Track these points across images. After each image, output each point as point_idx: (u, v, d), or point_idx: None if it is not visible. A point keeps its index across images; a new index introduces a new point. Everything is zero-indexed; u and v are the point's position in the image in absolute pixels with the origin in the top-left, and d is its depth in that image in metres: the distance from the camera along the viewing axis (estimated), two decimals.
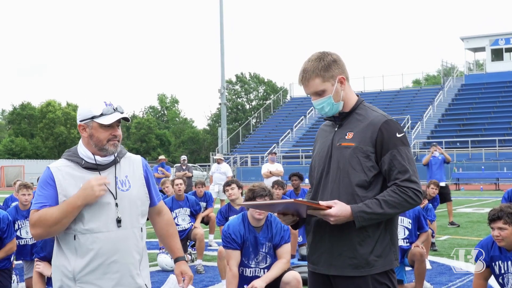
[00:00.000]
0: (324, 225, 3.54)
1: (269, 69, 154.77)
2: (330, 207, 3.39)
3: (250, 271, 6.30)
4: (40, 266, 6.71)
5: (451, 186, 33.83)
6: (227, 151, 53.18)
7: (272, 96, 76.02)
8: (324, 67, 3.58)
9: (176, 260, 4.14)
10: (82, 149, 3.76)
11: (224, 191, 9.48)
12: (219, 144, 54.59)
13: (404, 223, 7.81)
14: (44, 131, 78.14)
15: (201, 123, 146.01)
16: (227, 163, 32.62)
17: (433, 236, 10.92)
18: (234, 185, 9.29)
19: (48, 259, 6.42)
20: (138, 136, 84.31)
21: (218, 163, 19.29)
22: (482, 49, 56.35)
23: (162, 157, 21.80)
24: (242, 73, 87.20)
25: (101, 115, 3.66)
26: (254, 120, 68.63)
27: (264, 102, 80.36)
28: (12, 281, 8.07)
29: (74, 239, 3.66)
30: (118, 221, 3.70)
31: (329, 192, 3.59)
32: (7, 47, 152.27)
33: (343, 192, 3.53)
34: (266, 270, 6.24)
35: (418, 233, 7.96)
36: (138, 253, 3.82)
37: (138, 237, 3.83)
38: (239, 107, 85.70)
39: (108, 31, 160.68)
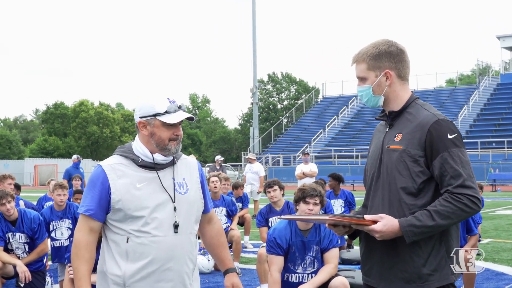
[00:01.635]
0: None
1: (301, 69, 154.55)
2: (375, 222, 3.12)
3: (297, 276, 6.02)
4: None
5: (487, 187, 33.50)
6: (259, 151, 53.00)
7: (304, 95, 75.63)
8: (374, 55, 3.35)
9: (226, 272, 3.86)
10: (139, 146, 3.53)
11: (265, 192, 9.18)
12: (250, 143, 54.43)
13: None
14: (77, 130, 78.81)
15: (232, 123, 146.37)
16: (259, 162, 32.44)
17: (479, 240, 10.51)
18: (276, 187, 8.99)
19: None
20: None
21: (250, 162, 19.04)
22: None
23: (192, 156, 21.58)
24: (274, 73, 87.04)
25: (165, 112, 3.43)
26: (285, 120, 68.37)
27: (296, 101, 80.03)
28: (46, 283, 7.92)
29: (127, 241, 3.42)
30: (176, 226, 3.46)
31: (380, 198, 3.32)
32: (41, 49, 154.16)
33: (393, 199, 3.25)
34: (313, 275, 5.96)
35: (467, 236, 7.59)
36: (192, 262, 3.59)
37: (193, 244, 3.60)
38: (270, 106, 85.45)
39: (141, 31, 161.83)
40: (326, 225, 3.45)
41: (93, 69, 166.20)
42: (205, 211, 3.76)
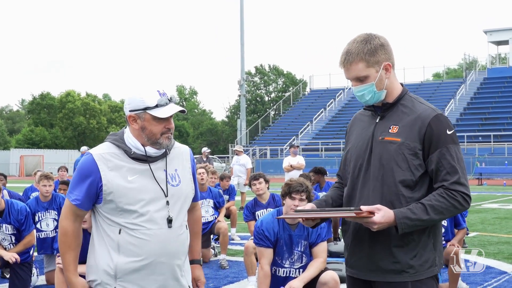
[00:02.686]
0: (363, 227, 3.23)
1: (288, 61, 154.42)
2: (373, 213, 3.08)
3: (284, 271, 5.97)
4: None
5: (473, 181, 33.65)
6: (246, 143, 52.95)
7: (292, 88, 75.59)
8: (370, 50, 3.23)
9: (191, 262, 3.82)
10: (131, 139, 3.43)
11: (250, 185, 9.17)
12: (238, 136, 54.37)
13: None
14: (64, 121, 78.42)
15: (219, 115, 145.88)
16: (246, 155, 32.40)
17: (467, 234, 10.54)
18: (261, 179, 8.98)
19: None
20: None
21: (237, 154, 19.01)
22: (506, 42, 55.66)
23: None
24: (261, 65, 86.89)
25: (156, 106, 3.33)
26: (273, 112, 68.29)
27: (283, 94, 79.96)
28: (32, 274, 7.85)
29: (119, 233, 3.37)
30: (169, 221, 3.42)
31: (370, 190, 3.28)
32: (28, 42, 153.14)
33: (387, 191, 3.22)
34: (301, 270, 5.91)
35: (455, 230, 7.61)
36: (184, 254, 3.57)
37: (185, 236, 3.57)
38: (258, 99, 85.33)
39: (127, 22, 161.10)
40: (301, 220, 3.42)
41: (80, 60, 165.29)
42: (194, 199, 3.73)
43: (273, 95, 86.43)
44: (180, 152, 3.62)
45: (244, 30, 52.35)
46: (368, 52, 3.23)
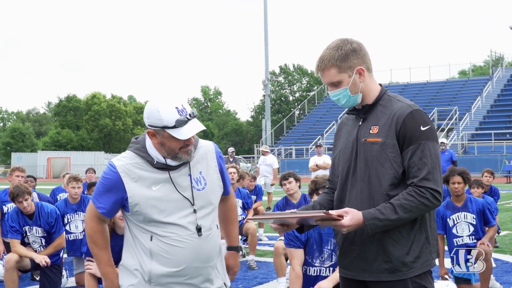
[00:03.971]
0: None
1: (312, 61, 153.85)
2: (342, 217, 3.10)
3: (314, 270, 5.91)
4: (92, 267, 6.06)
5: (501, 179, 33.24)
6: (271, 143, 52.90)
7: (316, 87, 75.36)
8: (341, 56, 3.30)
9: (228, 249, 3.83)
10: (152, 150, 3.39)
11: (281, 184, 9.06)
12: (263, 136, 54.32)
13: (468, 219, 7.38)
14: (90, 123, 79.08)
15: (244, 115, 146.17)
16: (272, 155, 32.32)
17: (498, 232, 10.40)
18: (291, 179, 8.87)
19: None
20: None
21: (264, 155, 18.96)
22: None
23: None
24: (285, 65, 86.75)
25: (174, 127, 3.25)
26: (297, 112, 68.16)
27: (308, 93, 79.78)
28: (62, 277, 7.89)
29: (151, 240, 3.37)
30: (199, 230, 3.40)
31: (358, 192, 3.31)
32: (53, 44, 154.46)
33: (374, 192, 3.25)
34: (331, 269, 5.85)
35: (485, 228, 7.49)
36: (216, 254, 3.56)
37: (216, 237, 3.55)
38: (282, 98, 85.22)
39: (152, 23, 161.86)
40: (275, 225, 3.42)
41: (105, 62, 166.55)
42: (224, 193, 3.69)
43: (297, 94, 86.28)
44: (204, 152, 3.55)
45: (268, 30, 52.35)
46: (339, 58, 3.29)
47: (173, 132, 3.25)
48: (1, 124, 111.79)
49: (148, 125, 3.33)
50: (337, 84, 3.34)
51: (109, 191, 3.37)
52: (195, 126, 3.31)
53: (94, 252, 3.52)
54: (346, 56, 3.29)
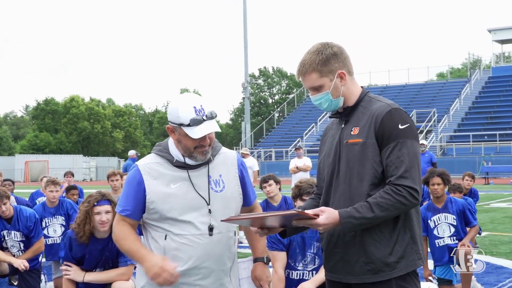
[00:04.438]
0: (336, 230, 3.26)
1: (292, 63, 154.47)
2: (317, 215, 3.08)
3: (297, 273, 5.86)
4: (70, 271, 5.80)
5: (480, 180, 33.48)
6: (251, 146, 52.89)
7: (295, 90, 75.49)
8: (322, 61, 3.31)
9: (255, 260, 3.84)
10: (173, 148, 3.51)
11: (261, 187, 8.97)
12: (242, 138, 54.31)
13: (448, 220, 7.40)
14: (68, 126, 78.55)
15: (223, 118, 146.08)
16: (252, 157, 32.25)
17: (479, 233, 10.42)
18: (271, 181, 8.77)
19: (77, 260, 5.84)
20: (161, 131, 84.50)
21: (244, 157, 18.90)
22: (510, 41, 55.68)
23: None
24: (265, 67, 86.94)
25: (189, 125, 3.35)
26: (277, 114, 68.25)
27: (287, 96, 79.93)
28: (41, 281, 7.79)
29: (165, 239, 3.44)
30: (210, 229, 3.43)
31: (340, 194, 3.31)
32: (31, 47, 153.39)
33: (355, 193, 3.24)
34: (314, 272, 5.81)
35: (467, 228, 7.50)
36: (229, 259, 3.57)
37: (231, 242, 3.57)
38: (262, 101, 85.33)
39: (130, 27, 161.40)
40: (255, 228, 3.37)
41: (84, 65, 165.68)
42: (247, 204, 3.73)
43: (277, 97, 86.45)
44: (226, 157, 3.65)
45: (247, 33, 52.34)
46: (320, 63, 3.30)
47: (187, 130, 3.35)
48: None
49: (169, 121, 3.45)
50: (319, 88, 3.35)
51: (130, 188, 3.46)
52: (209, 127, 3.38)
53: (126, 247, 3.53)
54: (327, 60, 3.30)
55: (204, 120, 3.36)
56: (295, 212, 3.07)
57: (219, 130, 3.41)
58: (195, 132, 3.33)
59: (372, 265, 3.20)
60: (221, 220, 3.32)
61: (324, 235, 3.42)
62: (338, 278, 3.36)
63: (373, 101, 3.36)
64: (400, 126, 3.19)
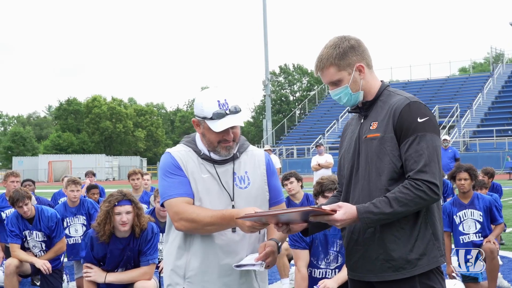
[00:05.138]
0: (356, 227, 3.21)
1: (312, 60, 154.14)
2: (335, 211, 3.03)
3: (320, 272, 5.80)
4: (91, 273, 5.78)
5: (504, 176, 33.13)
6: (272, 143, 52.80)
7: (316, 87, 75.28)
8: (340, 55, 3.26)
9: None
10: (199, 141, 3.51)
11: (283, 184, 8.88)
12: (264, 136, 54.24)
13: (474, 216, 7.28)
14: (90, 126, 79.09)
15: (245, 116, 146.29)
16: (274, 154, 32.18)
17: (504, 230, 10.25)
18: (293, 179, 8.68)
19: (95, 262, 5.82)
20: (182, 130, 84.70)
21: None
22: None
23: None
24: (285, 65, 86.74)
25: (212, 118, 3.33)
26: (298, 112, 68.09)
27: (308, 93, 79.72)
28: (63, 281, 7.78)
29: (190, 234, 3.39)
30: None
31: (360, 190, 3.27)
32: (53, 47, 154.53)
33: (374, 188, 3.19)
34: (337, 271, 5.74)
35: (492, 225, 7.37)
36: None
37: (254, 239, 3.48)
38: (283, 98, 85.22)
39: (152, 25, 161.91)
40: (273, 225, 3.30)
41: (105, 65, 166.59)
42: (274, 203, 3.61)
43: (298, 94, 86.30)
44: (254, 155, 3.60)
45: (267, 30, 52.23)
46: (337, 57, 3.25)
47: (210, 123, 3.34)
48: (2, 128, 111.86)
49: (195, 115, 3.45)
50: (337, 82, 3.29)
51: (171, 174, 3.39)
52: (231, 121, 3.35)
53: (206, 220, 3.26)
54: (345, 54, 3.25)
55: (227, 114, 3.34)
56: (310, 208, 3.02)
57: (242, 124, 3.39)
58: (217, 126, 3.31)
59: (392, 262, 3.14)
60: (236, 218, 3.17)
61: (345, 232, 3.37)
62: (358, 276, 3.31)
63: (392, 95, 3.30)
64: (419, 120, 3.12)
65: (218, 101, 3.34)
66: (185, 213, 3.29)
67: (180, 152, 3.46)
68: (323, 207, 3.06)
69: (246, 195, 3.44)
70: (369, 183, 3.21)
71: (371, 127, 3.26)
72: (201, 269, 3.36)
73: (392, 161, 3.14)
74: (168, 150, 3.51)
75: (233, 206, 3.38)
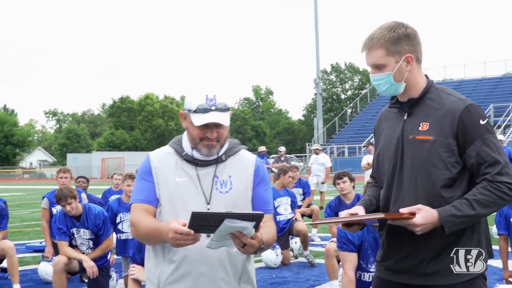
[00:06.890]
0: (401, 226, 3.01)
1: (364, 59, 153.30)
2: (413, 214, 2.87)
3: (370, 276, 5.64)
4: (134, 271, 5.89)
5: None
6: (323, 142, 52.58)
7: (368, 85, 74.62)
8: (392, 39, 3.07)
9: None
10: (185, 140, 3.31)
11: (334, 184, 8.72)
12: (315, 134, 54.06)
13: None
14: (143, 123, 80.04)
15: (296, 114, 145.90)
16: (325, 153, 31.94)
17: None
18: (346, 178, 8.48)
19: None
20: (233, 128, 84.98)
21: (316, 153, 18.68)
22: None
23: (262, 148, 21.22)
24: (337, 63, 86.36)
25: (195, 111, 3.13)
26: (350, 110, 67.63)
27: (360, 91, 79.10)
28: (111, 279, 7.79)
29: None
30: None
31: (405, 191, 3.08)
32: (106, 46, 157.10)
33: (423, 193, 3.02)
34: None
35: None
36: (233, 267, 3.22)
37: (236, 249, 3.07)
38: (334, 97, 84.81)
39: (204, 24, 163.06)
40: (340, 225, 3.20)
41: (158, 63, 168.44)
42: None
43: (349, 92, 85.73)
44: (242, 159, 3.35)
45: (318, 29, 52.09)
46: (390, 40, 3.08)
47: (192, 116, 3.15)
48: (58, 126, 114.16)
49: (184, 107, 3.28)
50: (381, 67, 3.11)
51: (141, 178, 3.29)
52: (214, 117, 3.12)
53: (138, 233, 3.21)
54: (398, 40, 3.07)
55: (212, 110, 3.12)
56: (382, 216, 2.92)
57: (226, 124, 3.17)
58: (198, 119, 3.11)
59: (439, 267, 3.02)
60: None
61: (383, 232, 3.23)
62: (397, 278, 3.16)
63: (442, 94, 3.11)
64: (481, 122, 3.01)
65: (207, 95, 3.14)
66: (133, 220, 3.20)
67: (157, 155, 3.32)
68: (401, 210, 2.93)
69: (226, 201, 3.20)
70: (416, 185, 3.06)
71: (420, 128, 3.08)
72: (175, 278, 3.16)
73: (448, 167, 3.01)
74: (150, 152, 3.40)
75: (208, 210, 3.13)
